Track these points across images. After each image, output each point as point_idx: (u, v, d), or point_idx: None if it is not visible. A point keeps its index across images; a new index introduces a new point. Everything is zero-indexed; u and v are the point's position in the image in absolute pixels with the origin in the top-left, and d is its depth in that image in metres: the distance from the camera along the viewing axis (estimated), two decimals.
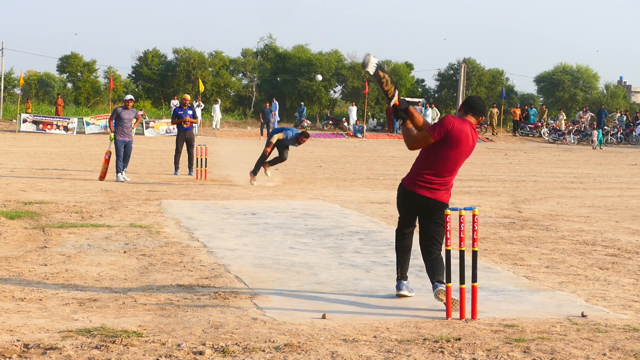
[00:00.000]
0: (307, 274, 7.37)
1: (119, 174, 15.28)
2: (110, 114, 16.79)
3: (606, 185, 18.30)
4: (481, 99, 6.42)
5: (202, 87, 44.32)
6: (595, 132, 40.50)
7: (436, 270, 6.15)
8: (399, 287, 6.44)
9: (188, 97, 19.09)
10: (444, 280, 5.94)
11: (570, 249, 9.10)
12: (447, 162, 6.11)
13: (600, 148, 39.19)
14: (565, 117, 47.61)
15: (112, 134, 15.82)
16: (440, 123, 6.10)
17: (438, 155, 6.10)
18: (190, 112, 18.31)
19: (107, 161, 15.99)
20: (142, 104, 48.46)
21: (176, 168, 18.15)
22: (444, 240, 6.01)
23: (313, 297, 6.44)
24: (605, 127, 44.96)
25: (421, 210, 6.26)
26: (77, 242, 8.68)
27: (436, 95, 55.88)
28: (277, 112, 43.93)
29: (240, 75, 55.53)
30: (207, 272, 7.33)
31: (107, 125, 15.74)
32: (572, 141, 42.51)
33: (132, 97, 16.35)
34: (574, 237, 10.07)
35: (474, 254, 5.87)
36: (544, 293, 6.76)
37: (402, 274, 6.45)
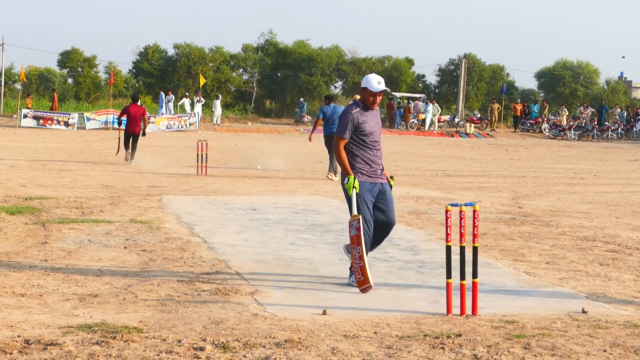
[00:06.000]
0: (307, 270, 7.37)
1: None
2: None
3: (607, 181, 18.29)
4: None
5: (202, 80, 44.18)
6: None
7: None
8: None
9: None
10: None
11: (571, 245, 9.09)
12: None
13: None
14: (567, 113, 47.52)
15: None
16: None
17: None
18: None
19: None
20: (143, 100, 48.45)
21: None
22: None
23: (314, 293, 6.44)
24: (606, 123, 44.87)
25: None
26: (78, 238, 8.68)
27: (437, 90, 55.85)
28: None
29: (241, 70, 55.47)
30: (208, 267, 7.33)
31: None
32: (573, 137, 42.46)
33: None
34: (574, 233, 10.06)
35: (475, 249, 5.87)
36: (544, 289, 6.76)
37: None
